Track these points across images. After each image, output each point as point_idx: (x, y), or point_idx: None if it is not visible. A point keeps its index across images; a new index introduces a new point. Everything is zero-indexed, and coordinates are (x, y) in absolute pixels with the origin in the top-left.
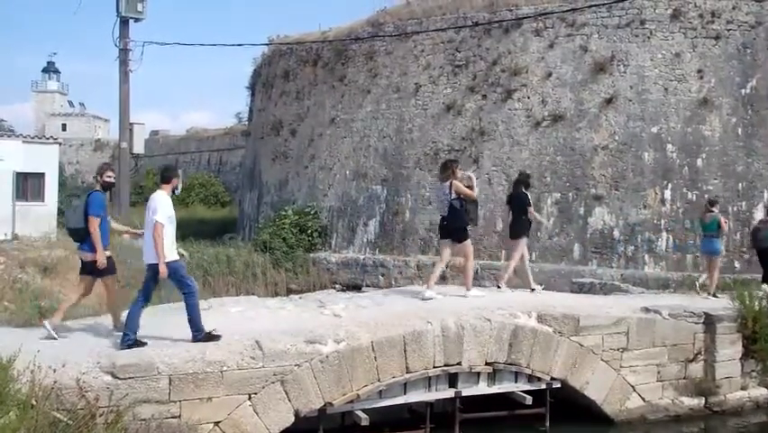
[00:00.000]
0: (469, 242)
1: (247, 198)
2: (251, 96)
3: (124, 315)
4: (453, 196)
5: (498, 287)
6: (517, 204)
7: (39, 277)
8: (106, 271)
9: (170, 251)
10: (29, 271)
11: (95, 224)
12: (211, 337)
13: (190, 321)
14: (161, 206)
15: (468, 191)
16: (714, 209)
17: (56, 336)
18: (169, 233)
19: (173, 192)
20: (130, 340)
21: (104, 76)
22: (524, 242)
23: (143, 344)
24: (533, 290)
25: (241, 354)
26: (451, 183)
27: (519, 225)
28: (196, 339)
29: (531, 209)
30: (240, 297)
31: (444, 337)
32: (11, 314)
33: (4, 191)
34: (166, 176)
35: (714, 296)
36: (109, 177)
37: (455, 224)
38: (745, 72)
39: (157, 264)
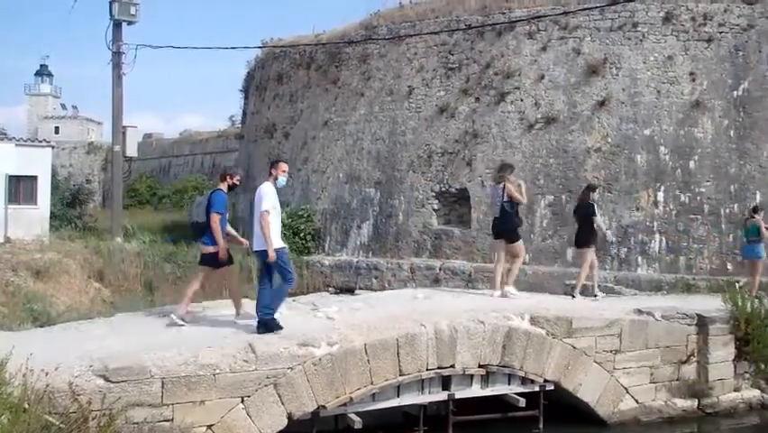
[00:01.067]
0: (521, 242)
1: (240, 201)
2: (245, 98)
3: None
4: (506, 198)
5: (573, 296)
6: (583, 214)
7: (31, 280)
8: (224, 262)
9: (276, 238)
10: (21, 274)
11: (216, 219)
12: (272, 328)
13: (261, 301)
14: (266, 196)
15: (518, 196)
16: (756, 216)
17: (182, 322)
18: (275, 221)
19: (275, 182)
20: (268, 317)
21: (97, 79)
22: (591, 250)
23: (280, 327)
24: (595, 296)
25: (233, 357)
26: (504, 186)
27: (584, 234)
28: (259, 330)
29: (596, 219)
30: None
31: (438, 340)
32: (3, 317)
33: None
34: (272, 167)
35: (756, 298)
36: (237, 180)
37: (507, 225)
38: (737, 75)
39: (265, 251)
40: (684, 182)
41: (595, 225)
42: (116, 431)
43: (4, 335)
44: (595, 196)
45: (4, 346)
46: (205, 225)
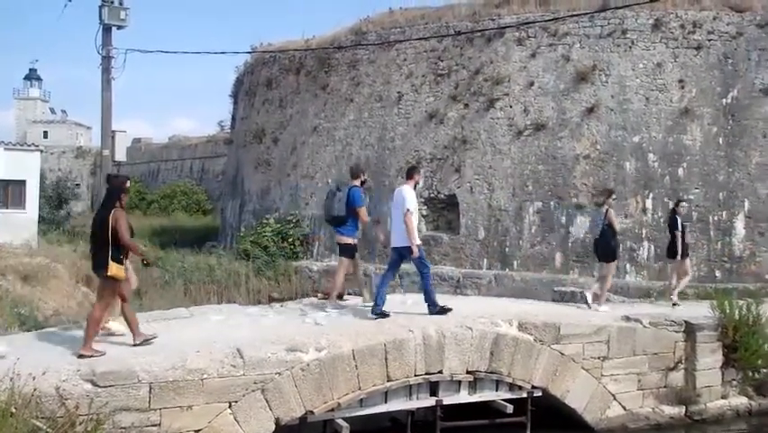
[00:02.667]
0: (614, 264)
1: (229, 206)
2: (234, 103)
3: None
4: (606, 222)
5: (675, 304)
6: (675, 227)
7: (19, 284)
8: (351, 254)
9: (415, 236)
10: (9, 278)
11: (364, 212)
12: (444, 311)
13: (426, 295)
14: (408, 197)
15: (615, 221)
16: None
17: (336, 311)
18: (414, 220)
19: (415, 186)
20: (378, 310)
21: (86, 83)
22: (686, 262)
23: (388, 315)
24: (675, 304)
25: (221, 362)
26: (607, 211)
27: (674, 246)
28: (432, 312)
29: (677, 233)
30: (221, 305)
31: (426, 346)
32: None
33: None
34: (410, 173)
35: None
36: (366, 178)
37: (606, 246)
38: (726, 82)
39: (402, 247)
40: (673, 189)
41: (676, 239)
42: None
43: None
44: (680, 210)
45: None
46: (344, 218)
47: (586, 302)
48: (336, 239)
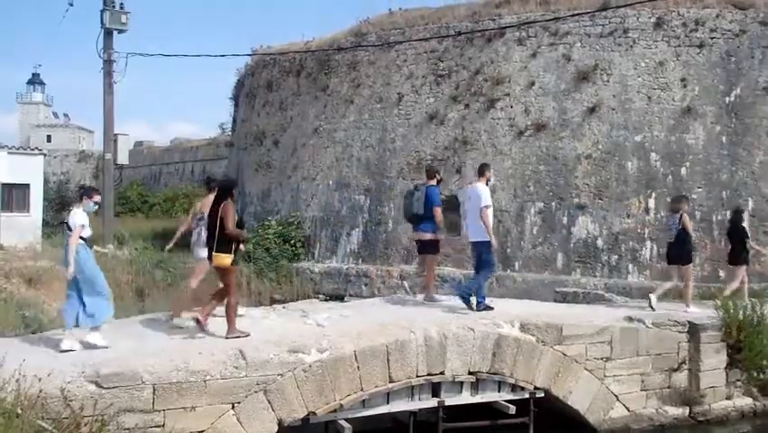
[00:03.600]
0: (691, 265)
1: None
2: (235, 106)
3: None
4: (680, 227)
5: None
6: (735, 235)
7: (23, 287)
8: (435, 250)
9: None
10: (14, 281)
11: (439, 211)
12: (488, 308)
13: (478, 289)
14: (484, 194)
15: (690, 226)
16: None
17: (430, 302)
18: (491, 216)
19: (486, 183)
20: (482, 305)
21: (88, 87)
22: (743, 269)
23: (492, 308)
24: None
25: (224, 363)
26: (681, 216)
27: (737, 253)
28: (479, 308)
29: (749, 241)
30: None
31: (428, 347)
32: None
33: None
34: (481, 170)
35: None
36: (441, 177)
37: (683, 250)
38: (728, 80)
39: (480, 241)
40: (676, 189)
41: (747, 246)
42: None
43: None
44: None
45: None
46: (423, 216)
47: (650, 305)
48: (415, 236)
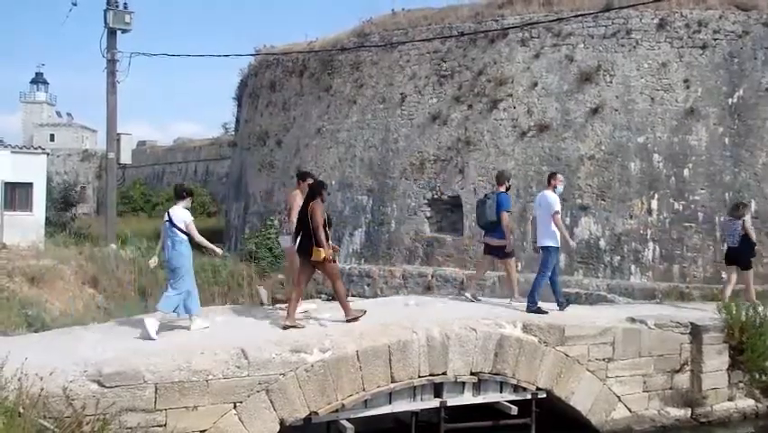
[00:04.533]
0: (752, 270)
1: (233, 208)
2: (238, 106)
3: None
4: (742, 232)
5: None
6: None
7: (26, 286)
8: (509, 254)
9: (565, 234)
10: (16, 279)
11: (507, 217)
12: (540, 311)
13: (532, 290)
14: (553, 201)
15: (752, 231)
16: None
17: (474, 299)
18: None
19: (554, 190)
20: (533, 306)
21: (91, 87)
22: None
23: (545, 312)
24: None
25: (226, 362)
26: (743, 222)
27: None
28: (529, 310)
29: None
30: (225, 306)
31: (430, 347)
32: None
33: None
34: (549, 179)
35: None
36: (510, 184)
37: (744, 254)
38: (732, 82)
39: (549, 246)
40: (678, 190)
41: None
42: None
43: (0, 340)
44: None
45: (0, 351)
46: (495, 223)
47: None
48: (490, 242)
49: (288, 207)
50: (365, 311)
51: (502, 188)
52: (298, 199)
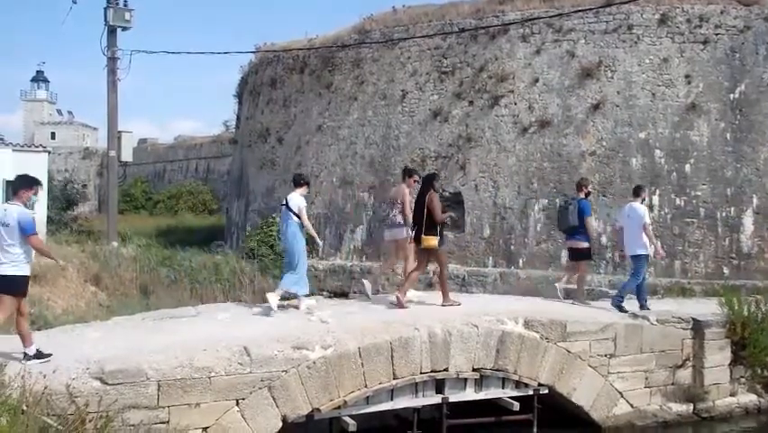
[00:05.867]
0: None
1: (234, 205)
2: (239, 103)
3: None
4: None
5: None
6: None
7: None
8: (587, 257)
9: (656, 243)
10: None
11: (590, 221)
12: (623, 309)
13: (639, 294)
14: (645, 213)
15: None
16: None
17: (565, 298)
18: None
19: (641, 202)
20: (617, 302)
21: (92, 85)
22: None
23: (627, 311)
24: None
25: (228, 360)
26: None
27: None
28: (614, 303)
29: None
30: (228, 303)
31: (431, 344)
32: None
33: None
34: (637, 191)
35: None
36: (590, 190)
37: None
38: (733, 77)
39: (636, 255)
40: (680, 186)
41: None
42: None
43: (3, 338)
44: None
45: (3, 349)
46: (577, 227)
47: None
48: (571, 245)
49: (397, 201)
50: (460, 303)
51: (582, 194)
52: (408, 194)
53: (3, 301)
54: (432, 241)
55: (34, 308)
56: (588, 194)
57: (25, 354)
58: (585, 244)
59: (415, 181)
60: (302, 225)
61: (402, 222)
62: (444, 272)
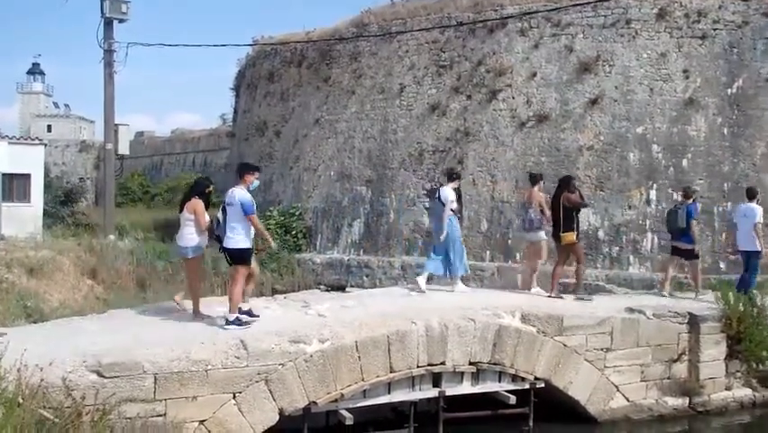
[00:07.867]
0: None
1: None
2: (236, 97)
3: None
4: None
5: None
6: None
7: (25, 277)
8: (696, 256)
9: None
10: (15, 271)
11: (694, 224)
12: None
13: (748, 286)
14: (759, 214)
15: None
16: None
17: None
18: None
19: (757, 203)
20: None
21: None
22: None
23: None
24: None
25: (225, 353)
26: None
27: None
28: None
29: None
30: (225, 297)
31: (428, 337)
32: None
33: None
34: (752, 193)
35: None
36: (695, 198)
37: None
38: (731, 72)
39: (750, 251)
40: (677, 180)
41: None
42: (109, 426)
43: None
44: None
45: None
46: (686, 230)
47: None
48: (676, 245)
49: (533, 203)
50: (563, 297)
51: (689, 201)
52: (542, 197)
53: (237, 270)
54: (571, 236)
55: (31, 300)
56: (695, 200)
57: (226, 319)
58: (690, 246)
59: (560, 180)
60: (457, 215)
61: (539, 225)
62: (581, 266)
